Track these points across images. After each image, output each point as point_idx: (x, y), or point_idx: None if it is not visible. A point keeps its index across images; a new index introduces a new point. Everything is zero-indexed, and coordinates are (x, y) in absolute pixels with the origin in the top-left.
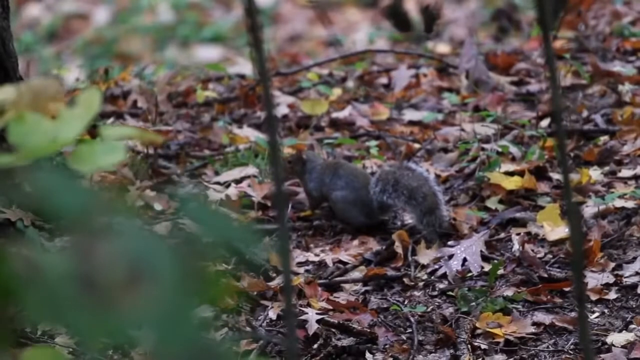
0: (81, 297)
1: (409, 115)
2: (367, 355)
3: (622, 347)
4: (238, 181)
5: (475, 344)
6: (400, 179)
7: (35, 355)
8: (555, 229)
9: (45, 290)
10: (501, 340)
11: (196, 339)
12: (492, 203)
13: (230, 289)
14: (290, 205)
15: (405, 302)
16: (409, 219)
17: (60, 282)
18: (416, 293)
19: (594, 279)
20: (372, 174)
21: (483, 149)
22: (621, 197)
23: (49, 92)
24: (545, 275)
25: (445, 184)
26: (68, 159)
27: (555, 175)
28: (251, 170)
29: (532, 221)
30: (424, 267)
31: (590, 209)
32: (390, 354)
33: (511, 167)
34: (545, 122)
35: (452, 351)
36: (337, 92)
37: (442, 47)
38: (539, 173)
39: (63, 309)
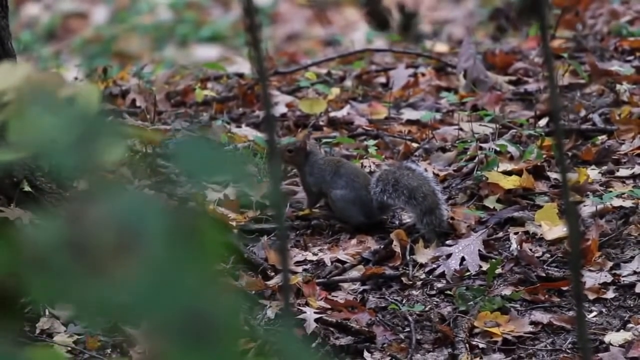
0: (76, 265)
1: (407, 114)
2: (365, 354)
3: (620, 346)
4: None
5: (473, 343)
6: (401, 178)
7: (36, 356)
8: (553, 228)
9: (43, 265)
10: (499, 339)
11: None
12: (490, 202)
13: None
14: (288, 204)
15: (404, 301)
16: (407, 218)
17: (56, 253)
18: (414, 292)
19: (591, 278)
20: (371, 173)
21: (481, 148)
22: (619, 196)
23: (49, 86)
24: (543, 275)
25: (444, 183)
26: None
27: (553, 175)
28: (249, 169)
29: (530, 220)
30: (422, 266)
31: (588, 208)
32: (388, 353)
33: (509, 166)
34: (543, 122)
35: (450, 350)
36: (335, 91)
37: (440, 47)
38: (537, 172)
39: (62, 282)
